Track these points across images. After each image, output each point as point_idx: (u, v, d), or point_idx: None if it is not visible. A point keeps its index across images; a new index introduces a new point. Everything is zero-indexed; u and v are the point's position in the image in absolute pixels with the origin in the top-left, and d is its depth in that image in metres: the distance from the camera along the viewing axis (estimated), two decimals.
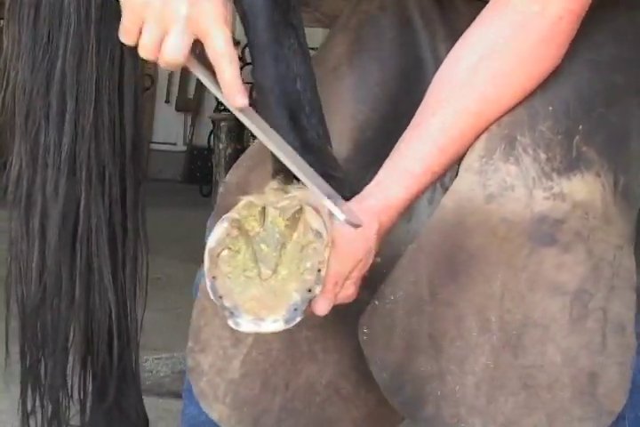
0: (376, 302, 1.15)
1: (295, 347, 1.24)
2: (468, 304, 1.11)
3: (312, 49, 1.22)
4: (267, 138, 1.10)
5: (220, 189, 1.30)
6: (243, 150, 1.36)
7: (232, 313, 1.06)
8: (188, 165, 7.14)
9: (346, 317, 1.18)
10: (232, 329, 1.10)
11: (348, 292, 1.11)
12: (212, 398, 1.25)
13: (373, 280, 1.15)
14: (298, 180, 1.11)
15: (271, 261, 1.08)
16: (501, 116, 1.16)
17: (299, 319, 1.07)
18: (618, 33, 1.26)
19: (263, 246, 1.08)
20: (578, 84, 1.19)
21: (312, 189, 1.09)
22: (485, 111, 1.16)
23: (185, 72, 7.15)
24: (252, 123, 1.11)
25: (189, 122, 7.30)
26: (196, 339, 1.25)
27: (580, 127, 1.16)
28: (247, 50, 1.18)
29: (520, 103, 1.17)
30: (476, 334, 1.11)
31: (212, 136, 6.03)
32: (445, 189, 1.19)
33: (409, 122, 1.18)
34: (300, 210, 1.08)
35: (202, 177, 6.61)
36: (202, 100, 7.19)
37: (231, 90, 1.10)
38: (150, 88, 6.89)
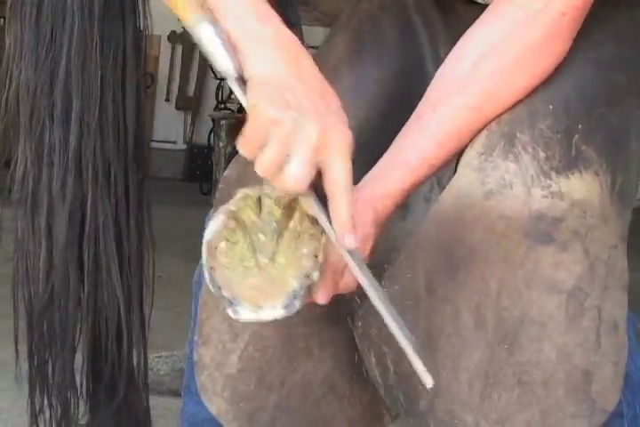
0: None
1: (291, 344, 1.24)
2: (465, 301, 1.11)
3: (313, 48, 1.22)
4: (368, 284, 1.06)
5: (219, 184, 1.30)
6: None
7: (231, 303, 1.05)
8: (188, 164, 7.14)
9: (341, 311, 1.18)
10: (231, 323, 1.10)
11: (348, 280, 1.12)
12: (212, 392, 1.25)
13: None
14: None
15: (268, 250, 1.08)
16: (501, 114, 1.17)
17: (298, 306, 1.06)
18: (619, 33, 1.26)
19: (260, 236, 1.08)
20: (579, 82, 1.19)
21: (400, 340, 1.05)
22: (485, 107, 1.16)
23: (187, 71, 7.17)
24: (356, 264, 1.06)
25: (189, 120, 7.29)
26: (199, 333, 1.26)
27: (580, 126, 1.16)
28: None
29: (520, 101, 1.17)
30: (471, 331, 1.11)
31: (212, 134, 6.03)
32: (442, 188, 1.20)
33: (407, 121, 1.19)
34: (296, 199, 1.08)
35: (202, 175, 6.61)
36: (202, 99, 7.19)
37: (344, 229, 1.05)
38: (150, 86, 6.89)
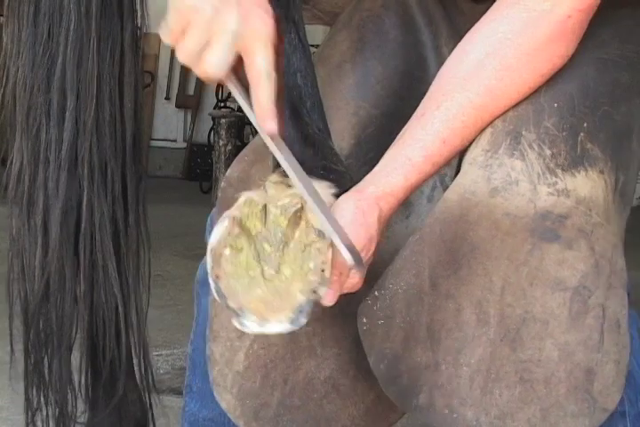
0: (376, 293, 1.16)
1: (295, 342, 1.25)
2: (468, 297, 1.12)
3: (313, 46, 1.22)
4: (288, 166, 1.09)
5: (222, 184, 1.30)
6: (242, 147, 1.36)
7: (237, 314, 1.06)
8: (187, 162, 7.14)
9: (344, 308, 1.18)
10: None
11: (354, 281, 1.11)
12: (222, 388, 1.26)
13: (371, 274, 1.15)
14: None
15: (274, 261, 1.07)
16: (507, 112, 1.17)
17: (304, 320, 1.06)
18: (623, 32, 1.26)
19: (266, 246, 1.08)
20: (583, 81, 1.19)
21: (322, 223, 1.07)
22: (489, 105, 1.16)
23: (187, 70, 7.16)
24: (277, 149, 1.09)
25: (189, 119, 7.30)
26: (210, 328, 1.27)
27: (585, 124, 1.16)
28: None
29: (526, 99, 1.17)
30: (473, 327, 1.11)
31: (212, 133, 6.03)
32: (445, 188, 1.19)
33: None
34: (302, 208, 1.08)
35: (202, 174, 6.62)
36: (202, 97, 7.19)
37: (264, 112, 1.07)
38: (150, 85, 6.90)
